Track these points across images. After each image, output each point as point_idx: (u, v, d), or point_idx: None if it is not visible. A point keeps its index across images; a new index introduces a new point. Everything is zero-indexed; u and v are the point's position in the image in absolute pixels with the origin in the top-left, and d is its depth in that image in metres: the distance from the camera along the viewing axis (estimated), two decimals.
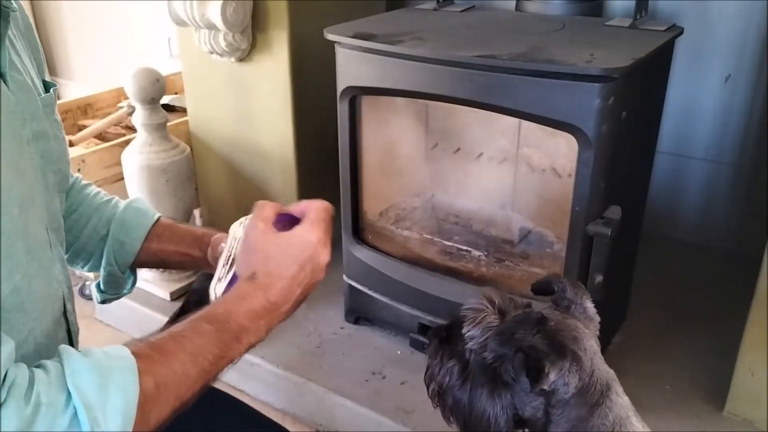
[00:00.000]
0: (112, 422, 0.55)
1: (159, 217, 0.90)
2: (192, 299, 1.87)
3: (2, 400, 0.50)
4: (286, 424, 0.98)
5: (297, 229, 0.73)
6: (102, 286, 0.90)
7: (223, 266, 0.77)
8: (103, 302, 0.92)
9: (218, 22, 1.55)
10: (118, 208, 0.89)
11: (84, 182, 0.91)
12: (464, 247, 1.53)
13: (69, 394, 0.54)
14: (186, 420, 0.88)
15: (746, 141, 1.76)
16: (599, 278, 1.20)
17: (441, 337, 0.75)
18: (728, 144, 1.79)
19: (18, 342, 0.56)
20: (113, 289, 0.90)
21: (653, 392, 1.40)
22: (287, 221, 0.77)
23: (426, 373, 0.75)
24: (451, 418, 0.74)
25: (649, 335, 1.56)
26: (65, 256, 0.84)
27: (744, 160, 1.78)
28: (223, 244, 0.80)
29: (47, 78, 0.77)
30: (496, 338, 0.68)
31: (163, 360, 0.61)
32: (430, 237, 1.58)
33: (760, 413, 1.28)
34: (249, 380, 1.55)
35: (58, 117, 0.76)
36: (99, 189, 0.92)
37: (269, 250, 0.72)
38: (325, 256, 0.73)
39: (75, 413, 0.53)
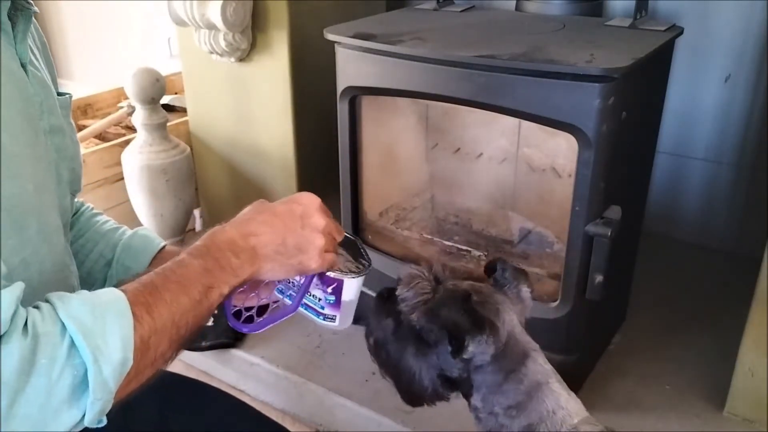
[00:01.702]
0: (113, 347, 0.55)
1: (165, 245, 0.90)
2: None
3: (3, 332, 0.51)
4: (286, 424, 0.98)
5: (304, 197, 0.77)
6: None
7: None
8: None
9: (218, 22, 1.55)
10: (125, 235, 0.89)
11: (94, 211, 0.92)
12: (464, 247, 1.53)
13: (63, 325, 0.55)
14: (186, 419, 0.88)
15: (746, 141, 1.76)
16: (599, 278, 1.20)
17: (382, 297, 0.81)
18: (728, 144, 1.79)
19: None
20: None
21: (653, 392, 1.40)
22: None
23: (367, 327, 0.82)
24: (385, 375, 0.80)
25: (649, 335, 1.56)
26: None
27: (744, 160, 1.78)
28: None
29: (61, 89, 0.79)
30: (425, 315, 0.73)
31: (151, 290, 0.62)
32: (430, 237, 1.58)
33: (760, 413, 1.28)
34: (249, 380, 1.55)
35: (73, 123, 0.79)
36: (109, 218, 0.92)
37: (267, 204, 0.76)
38: (307, 196, 0.76)
39: (72, 343, 0.54)
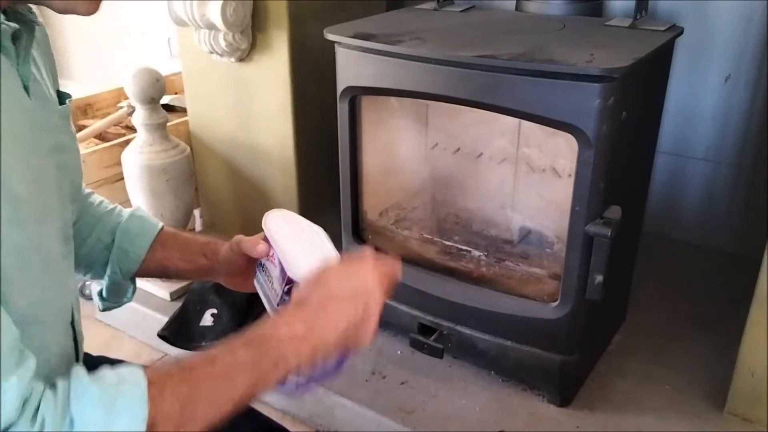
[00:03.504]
0: None
1: (163, 226, 0.90)
2: (192, 299, 1.88)
3: (15, 419, 0.51)
4: (286, 424, 0.98)
5: (364, 261, 0.72)
6: (105, 294, 0.90)
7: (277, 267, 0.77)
8: (104, 310, 0.92)
9: (218, 22, 1.55)
10: (121, 217, 0.89)
11: (87, 191, 0.91)
12: (464, 247, 1.53)
13: (72, 420, 0.53)
14: None
15: (746, 141, 1.76)
16: (599, 278, 1.20)
17: None
18: (728, 144, 1.79)
19: (34, 351, 0.56)
20: (115, 297, 0.91)
21: (653, 392, 1.40)
22: None
23: None
24: None
25: (649, 335, 1.56)
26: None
27: (744, 160, 1.78)
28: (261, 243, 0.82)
29: (60, 88, 0.78)
30: None
31: (190, 379, 0.60)
32: (430, 237, 1.58)
33: (760, 413, 1.28)
34: None
35: (73, 128, 0.78)
36: (102, 198, 0.92)
37: (331, 281, 0.71)
38: (370, 272, 0.71)
39: None
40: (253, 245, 0.82)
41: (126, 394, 0.56)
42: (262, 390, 0.64)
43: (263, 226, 0.82)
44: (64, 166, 0.71)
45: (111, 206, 0.91)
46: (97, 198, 0.91)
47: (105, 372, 0.58)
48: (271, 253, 0.79)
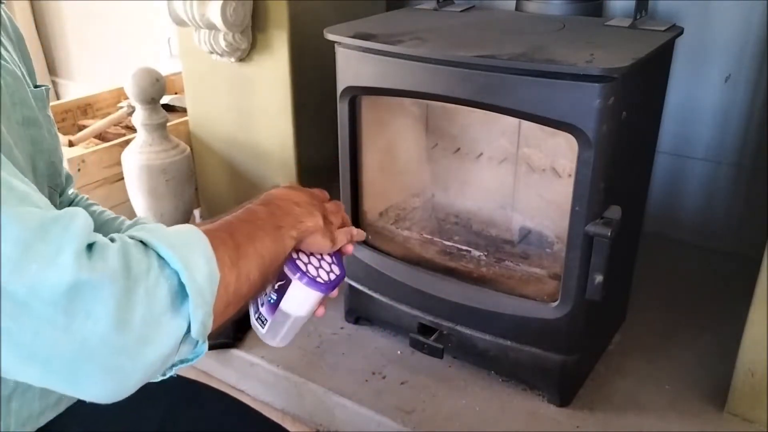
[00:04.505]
0: (197, 262, 0.56)
1: None
2: None
3: (91, 240, 0.52)
4: (286, 424, 0.98)
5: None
6: None
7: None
8: None
9: (218, 22, 1.55)
10: (123, 225, 0.89)
11: (89, 201, 0.92)
12: (464, 247, 1.53)
13: (143, 242, 0.55)
14: (186, 419, 0.88)
15: (746, 141, 1.76)
16: (599, 278, 1.20)
17: None
18: (728, 144, 1.79)
19: None
20: None
21: (653, 392, 1.40)
22: None
23: None
24: None
25: (649, 335, 1.56)
26: None
27: (744, 160, 1.78)
28: None
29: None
30: None
31: (228, 226, 0.65)
32: (430, 237, 1.58)
33: (760, 413, 1.28)
34: (249, 380, 1.55)
35: (51, 114, 0.78)
36: (105, 208, 0.92)
37: (282, 191, 0.78)
38: (331, 206, 0.80)
39: (159, 255, 0.54)
40: None
41: (176, 227, 0.59)
42: (288, 238, 0.70)
43: None
44: (39, 143, 0.72)
45: (114, 216, 0.91)
46: (99, 207, 0.92)
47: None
48: None
